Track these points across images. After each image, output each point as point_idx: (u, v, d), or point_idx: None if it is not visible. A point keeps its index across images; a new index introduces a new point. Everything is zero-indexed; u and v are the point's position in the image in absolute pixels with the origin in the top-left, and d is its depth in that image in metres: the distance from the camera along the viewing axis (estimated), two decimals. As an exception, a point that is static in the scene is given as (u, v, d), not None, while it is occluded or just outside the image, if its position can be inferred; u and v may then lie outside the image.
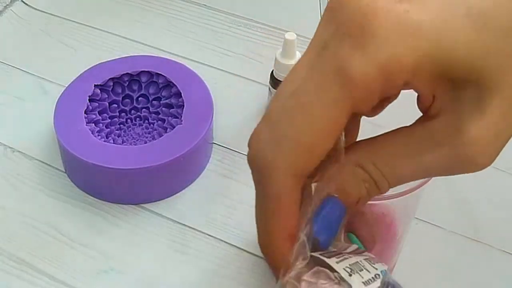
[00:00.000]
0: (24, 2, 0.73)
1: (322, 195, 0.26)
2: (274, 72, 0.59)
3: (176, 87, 0.59)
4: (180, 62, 0.62)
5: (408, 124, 0.27)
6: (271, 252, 0.27)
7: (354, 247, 0.29)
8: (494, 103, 0.25)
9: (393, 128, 0.27)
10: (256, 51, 0.68)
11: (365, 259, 0.29)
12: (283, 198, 0.25)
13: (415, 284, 0.51)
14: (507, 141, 0.26)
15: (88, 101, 0.58)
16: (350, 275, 0.27)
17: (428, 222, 0.54)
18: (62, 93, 0.59)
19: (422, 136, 0.26)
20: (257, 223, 0.27)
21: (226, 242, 0.53)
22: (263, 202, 0.26)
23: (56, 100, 0.58)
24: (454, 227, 0.54)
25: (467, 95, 0.25)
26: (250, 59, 0.67)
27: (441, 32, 0.24)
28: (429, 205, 0.53)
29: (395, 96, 0.27)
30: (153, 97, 0.61)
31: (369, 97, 0.24)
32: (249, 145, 0.26)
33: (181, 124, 0.56)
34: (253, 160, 0.26)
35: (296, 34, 0.57)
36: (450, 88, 0.25)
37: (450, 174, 0.26)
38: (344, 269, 0.27)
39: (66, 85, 0.59)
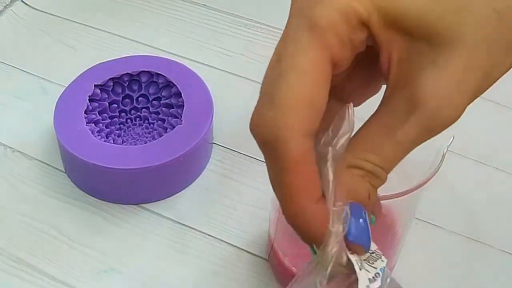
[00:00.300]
0: (24, 2, 0.73)
1: (339, 211, 0.27)
2: (274, 72, 0.59)
3: (176, 87, 0.59)
4: (180, 62, 0.62)
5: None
6: (306, 220, 0.27)
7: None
8: (449, 58, 0.26)
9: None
10: (256, 51, 0.68)
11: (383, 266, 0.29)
12: (302, 161, 0.26)
13: (415, 284, 0.51)
14: (470, 93, 0.27)
15: (88, 101, 0.58)
16: (360, 269, 0.27)
17: (428, 222, 0.54)
18: (62, 93, 0.59)
19: (388, 114, 0.27)
20: (279, 196, 0.27)
21: (226, 242, 0.53)
22: (281, 173, 0.26)
23: (56, 100, 0.58)
24: (454, 227, 0.54)
25: (422, 51, 0.26)
26: (250, 59, 0.67)
27: None
28: (429, 205, 0.53)
29: (362, 50, 0.28)
30: (153, 97, 0.61)
31: (339, 40, 0.26)
32: (252, 123, 0.27)
33: (181, 124, 0.56)
34: (261, 134, 0.26)
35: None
36: (406, 41, 0.26)
37: (431, 136, 0.27)
38: (356, 261, 0.27)
39: (66, 85, 0.59)
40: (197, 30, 0.70)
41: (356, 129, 0.29)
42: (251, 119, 0.27)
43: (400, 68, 0.27)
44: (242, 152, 0.58)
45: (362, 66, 0.30)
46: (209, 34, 0.70)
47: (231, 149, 0.59)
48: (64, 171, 0.58)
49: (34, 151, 0.59)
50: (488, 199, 0.56)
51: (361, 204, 0.28)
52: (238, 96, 0.64)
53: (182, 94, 0.58)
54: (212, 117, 0.57)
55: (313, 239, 0.27)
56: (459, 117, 0.27)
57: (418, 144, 0.28)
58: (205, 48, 0.68)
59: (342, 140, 0.28)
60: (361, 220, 0.27)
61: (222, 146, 0.59)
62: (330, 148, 0.27)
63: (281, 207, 0.27)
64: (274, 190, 0.27)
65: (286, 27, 0.28)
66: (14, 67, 0.67)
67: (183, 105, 0.58)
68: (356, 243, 0.27)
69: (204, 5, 0.73)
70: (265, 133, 0.26)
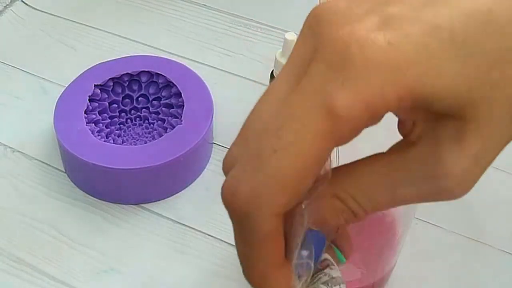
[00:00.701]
0: (24, 2, 0.73)
1: (303, 227, 0.27)
2: (274, 72, 0.59)
3: (176, 87, 0.59)
4: (180, 62, 0.62)
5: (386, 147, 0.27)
6: (268, 285, 0.27)
7: (325, 256, 0.30)
8: (473, 136, 0.24)
9: (371, 154, 0.27)
10: (256, 51, 0.68)
11: (325, 280, 0.29)
12: (270, 237, 0.25)
13: (415, 284, 0.51)
14: (483, 173, 0.26)
15: (88, 101, 0.58)
16: None
17: (428, 222, 0.54)
18: (62, 93, 0.59)
19: (399, 167, 0.26)
20: (242, 261, 0.27)
21: (226, 242, 0.53)
22: (248, 245, 0.26)
23: (56, 100, 0.58)
24: (454, 227, 0.54)
25: (448, 125, 0.25)
26: (250, 59, 0.67)
27: (425, 63, 0.23)
28: (429, 205, 0.53)
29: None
30: (153, 97, 0.61)
31: (353, 131, 0.24)
32: (227, 190, 0.25)
33: (181, 124, 0.56)
34: (232, 202, 0.25)
35: (296, 34, 0.57)
36: (432, 117, 0.25)
37: (426, 202, 0.27)
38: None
39: (66, 85, 0.59)
40: (197, 30, 0.70)
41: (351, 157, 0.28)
42: (227, 182, 0.25)
43: (424, 132, 0.25)
44: (242, 152, 0.58)
45: None
46: (209, 34, 0.70)
47: (231, 149, 0.59)
48: (64, 171, 0.58)
49: (34, 151, 0.59)
50: (488, 199, 0.56)
51: (325, 233, 0.27)
52: (238, 96, 0.64)
53: (182, 94, 0.58)
54: (212, 117, 0.57)
55: None
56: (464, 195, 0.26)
57: (409, 203, 0.27)
58: (205, 48, 0.68)
59: (316, 193, 0.27)
60: (316, 248, 0.27)
61: (222, 146, 0.59)
62: (304, 203, 0.27)
63: (243, 271, 0.27)
64: (238, 255, 0.27)
65: (298, 94, 0.24)
66: (14, 67, 0.67)
67: (183, 105, 0.58)
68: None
69: (204, 5, 0.73)
70: (237, 203, 0.25)
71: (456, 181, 0.25)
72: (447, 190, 0.26)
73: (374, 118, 0.24)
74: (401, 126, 0.27)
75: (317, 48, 0.23)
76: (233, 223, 0.26)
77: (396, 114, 0.25)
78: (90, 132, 0.56)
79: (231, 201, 0.25)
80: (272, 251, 0.26)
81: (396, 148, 0.26)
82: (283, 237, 0.26)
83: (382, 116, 0.24)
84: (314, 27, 0.24)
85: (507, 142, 0.26)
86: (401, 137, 0.27)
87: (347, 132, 0.23)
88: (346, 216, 0.26)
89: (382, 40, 0.22)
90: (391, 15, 0.23)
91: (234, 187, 0.25)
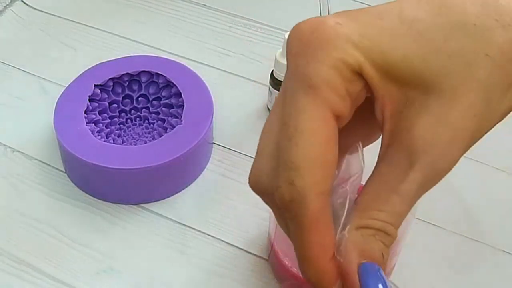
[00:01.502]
0: (24, 2, 0.73)
1: (353, 268, 0.27)
2: (274, 72, 0.59)
3: (176, 87, 0.59)
4: (180, 62, 0.62)
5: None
6: (320, 278, 0.28)
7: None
8: (442, 110, 0.26)
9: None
10: (256, 51, 0.68)
11: None
12: (321, 218, 0.27)
13: (415, 284, 0.51)
14: (466, 140, 0.27)
15: (88, 101, 0.58)
16: None
17: (428, 222, 0.54)
18: (62, 93, 0.59)
19: (389, 171, 0.27)
20: (299, 253, 0.28)
21: (226, 242, 0.53)
22: (301, 232, 0.27)
23: (56, 100, 0.58)
24: (454, 227, 0.54)
25: (416, 98, 0.26)
26: (250, 59, 0.67)
27: (377, 38, 0.26)
28: (429, 205, 0.53)
29: (362, 99, 0.28)
30: (153, 97, 0.61)
31: (336, 94, 0.26)
32: (261, 185, 0.27)
33: (181, 124, 0.56)
34: (278, 200, 0.27)
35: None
36: (400, 92, 0.27)
37: (434, 184, 0.28)
38: None
39: (66, 85, 0.59)
40: (197, 30, 0.70)
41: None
42: (255, 182, 0.28)
43: (393, 122, 0.27)
44: (242, 152, 0.58)
45: (362, 118, 0.30)
46: (209, 34, 0.70)
47: (231, 149, 0.59)
48: (64, 171, 0.58)
49: (34, 151, 0.59)
50: (488, 199, 0.56)
51: (376, 263, 0.27)
52: (238, 96, 0.64)
53: (182, 94, 0.58)
54: (212, 117, 0.57)
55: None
56: (453, 167, 0.27)
57: (422, 195, 0.28)
58: (205, 48, 0.68)
59: (354, 178, 0.29)
60: (380, 285, 0.27)
61: (222, 146, 0.59)
62: (348, 186, 0.28)
63: (299, 263, 0.28)
64: (295, 247, 0.28)
65: (284, 88, 0.28)
66: (14, 67, 0.67)
67: (183, 105, 0.58)
68: None
69: (204, 5, 0.73)
70: (282, 198, 0.27)
71: (438, 153, 0.26)
72: (433, 168, 0.27)
73: (347, 80, 0.26)
74: (377, 120, 0.28)
75: (292, 48, 0.28)
76: (279, 217, 0.28)
77: (369, 82, 0.27)
78: (90, 132, 0.56)
79: (277, 194, 0.27)
80: (324, 236, 0.27)
81: (380, 157, 0.28)
82: (332, 226, 0.27)
83: (355, 81, 0.27)
84: (293, 33, 0.28)
85: (484, 109, 0.26)
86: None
87: (333, 97, 0.26)
88: (380, 238, 0.27)
89: (332, 22, 0.26)
90: (350, 13, 0.27)
91: (269, 181, 0.27)
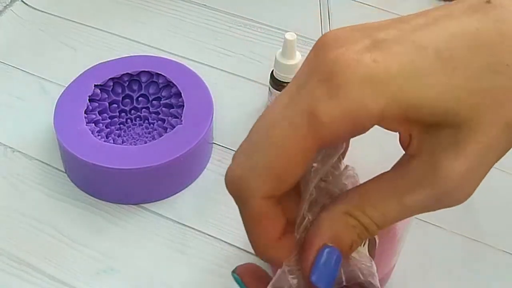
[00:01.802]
0: (24, 2, 0.73)
1: (315, 247, 0.28)
2: (274, 72, 0.59)
3: (176, 87, 0.59)
4: (180, 62, 0.62)
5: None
6: (269, 256, 0.29)
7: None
8: (469, 143, 0.26)
9: (379, 173, 0.29)
10: (256, 51, 0.68)
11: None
12: (263, 217, 0.28)
13: (415, 284, 0.51)
14: (483, 177, 0.28)
15: (88, 101, 0.58)
16: None
17: (428, 222, 0.54)
18: (62, 93, 0.59)
19: (403, 178, 0.28)
20: (247, 234, 0.29)
21: (226, 242, 0.53)
22: (245, 220, 0.29)
23: (56, 100, 0.58)
24: (454, 227, 0.54)
25: (442, 135, 0.26)
26: (250, 59, 0.67)
27: (410, 77, 0.25)
28: (429, 205, 0.53)
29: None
30: (153, 97, 0.61)
31: (335, 137, 0.26)
32: (227, 174, 0.28)
33: (181, 124, 0.56)
34: (229, 184, 0.28)
35: (296, 34, 0.57)
36: (425, 129, 0.27)
37: (433, 210, 0.28)
38: None
39: (66, 85, 0.59)
40: (197, 30, 0.70)
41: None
42: (229, 167, 0.28)
43: (421, 143, 0.27)
44: (242, 152, 0.58)
45: None
46: (209, 34, 0.70)
47: (231, 149, 0.59)
48: (64, 171, 0.58)
49: (34, 151, 0.59)
50: (488, 199, 0.56)
51: (340, 251, 0.28)
52: (238, 96, 0.64)
53: (182, 94, 0.58)
54: (212, 117, 0.57)
55: (276, 265, 0.29)
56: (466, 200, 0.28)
57: (417, 214, 0.28)
58: (205, 48, 0.68)
59: (330, 158, 0.29)
60: (329, 265, 0.28)
61: (222, 146, 0.59)
62: (314, 165, 0.29)
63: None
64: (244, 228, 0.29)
65: (292, 100, 0.27)
66: (14, 67, 0.67)
67: (183, 105, 0.58)
68: (316, 285, 0.28)
69: (204, 5, 0.73)
70: (233, 186, 0.28)
71: (454, 185, 0.27)
72: (447, 195, 0.27)
73: (358, 127, 0.26)
74: (401, 140, 0.28)
75: (314, 67, 0.27)
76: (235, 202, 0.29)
77: (387, 127, 0.27)
78: (90, 132, 0.56)
79: (228, 184, 0.28)
80: (267, 228, 0.28)
81: (398, 163, 0.28)
82: (279, 216, 0.28)
83: (368, 127, 0.26)
84: (318, 50, 0.27)
85: (506, 147, 0.27)
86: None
87: (329, 137, 0.26)
88: (359, 231, 0.28)
89: (368, 59, 0.26)
90: (381, 39, 0.26)
91: (232, 172, 0.28)
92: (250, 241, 0.29)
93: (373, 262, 0.30)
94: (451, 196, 0.27)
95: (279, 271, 0.29)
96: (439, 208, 0.28)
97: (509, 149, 0.27)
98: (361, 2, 0.72)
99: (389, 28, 0.27)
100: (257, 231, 0.28)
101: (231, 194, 0.28)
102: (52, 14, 0.72)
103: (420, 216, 0.55)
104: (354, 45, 0.26)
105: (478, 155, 0.26)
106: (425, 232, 0.54)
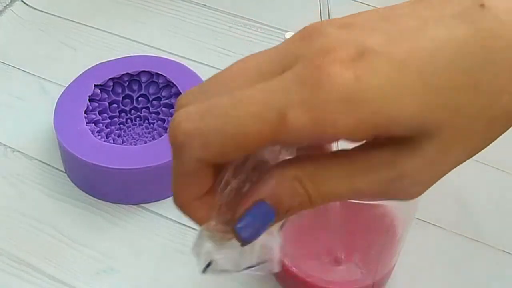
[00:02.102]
0: (24, 2, 0.73)
1: (254, 198, 0.28)
2: (274, 72, 0.59)
3: (176, 87, 0.59)
4: (180, 62, 0.62)
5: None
6: (186, 212, 0.30)
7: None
8: (428, 147, 0.27)
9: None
10: (256, 51, 0.67)
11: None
12: (192, 175, 0.28)
13: (415, 284, 0.51)
14: (437, 180, 0.29)
15: (88, 101, 0.58)
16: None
17: (428, 222, 0.54)
18: (62, 93, 0.59)
19: (359, 160, 0.28)
20: (172, 186, 0.29)
21: (226, 242, 0.53)
22: (175, 172, 0.29)
23: (56, 100, 0.58)
24: (454, 227, 0.54)
25: (405, 138, 0.27)
26: (250, 59, 0.67)
27: (387, 97, 0.25)
28: (429, 205, 0.53)
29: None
30: (153, 97, 0.61)
31: (297, 142, 0.27)
32: (176, 115, 0.28)
33: (181, 124, 0.56)
34: (173, 136, 0.27)
35: (296, 34, 0.57)
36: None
37: (382, 199, 0.29)
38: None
39: (66, 85, 0.59)
40: (197, 30, 0.70)
41: None
42: (179, 113, 0.28)
43: (385, 139, 0.27)
44: (242, 152, 0.58)
45: None
46: (209, 34, 0.70)
47: (231, 149, 0.59)
48: (64, 171, 0.58)
49: (34, 151, 0.59)
50: (488, 199, 0.56)
51: (276, 212, 0.28)
52: (238, 96, 0.64)
53: (182, 94, 0.58)
54: (212, 117, 0.57)
55: (195, 222, 0.30)
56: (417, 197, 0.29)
57: (364, 199, 0.28)
58: (205, 48, 0.68)
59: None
60: (258, 220, 0.28)
61: (222, 146, 0.59)
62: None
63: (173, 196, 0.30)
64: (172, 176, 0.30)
65: (268, 85, 0.27)
66: (14, 67, 0.67)
67: (183, 105, 0.57)
68: (239, 233, 0.28)
69: (204, 5, 0.73)
70: (175, 140, 0.27)
71: (409, 181, 0.27)
72: (401, 189, 0.28)
73: (323, 139, 0.27)
74: None
75: (298, 60, 0.26)
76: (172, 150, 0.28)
77: (351, 141, 0.27)
78: (90, 132, 0.56)
79: (173, 130, 0.27)
80: (191, 186, 0.29)
81: (359, 146, 0.28)
82: (208, 178, 0.29)
83: (333, 141, 0.27)
84: (306, 39, 0.27)
85: (464, 158, 0.28)
86: None
87: (289, 139, 0.26)
88: (301, 199, 0.28)
89: (350, 75, 0.25)
90: (367, 47, 0.26)
91: (180, 121, 0.27)
92: (173, 193, 0.29)
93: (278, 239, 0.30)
94: (405, 191, 0.28)
95: (198, 233, 0.29)
96: (389, 199, 0.28)
97: (473, 148, 0.28)
98: (361, 2, 0.72)
99: (376, 31, 0.26)
100: (182, 187, 0.29)
101: (171, 143, 0.28)
102: (52, 14, 0.72)
103: (420, 216, 0.55)
104: (340, 52, 0.26)
105: (435, 159, 0.27)
106: (425, 232, 0.53)
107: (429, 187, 0.28)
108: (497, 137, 0.28)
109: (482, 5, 0.26)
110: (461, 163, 0.28)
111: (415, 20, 0.27)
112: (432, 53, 0.26)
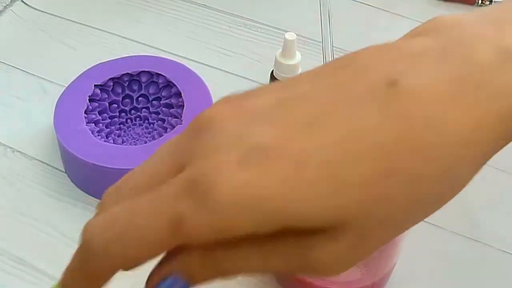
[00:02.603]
0: (24, 2, 0.73)
1: (165, 270, 0.28)
2: (274, 72, 0.59)
3: (176, 87, 0.59)
4: (180, 62, 0.62)
5: None
6: None
7: None
8: (343, 237, 0.25)
9: None
10: (256, 51, 0.68)
11: None
12: (94, 279, 0.30)
13: (415, 284, 0.51)
14: (360, 260, 0.27)
15: (88, 101, 0.58)
16: None
17: (428, 222, 0.54)
18: (62, 93, 0.59)
19: (276, 245, 0.26)
20: (68, 270, 0.30)
21: (226, 242, 0.53)
22: (76, 270, 0.30)
23: (56, 100, 0.58)
24: (454, 227, 0.54)
25: (319, 228, 0.25)
26: (250, 59, 0.67)
27: (286, 195, 0.23)
28: (429, 205, 0.53)
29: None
30: (153, 97, 0.61)
31: (203, 241, 0.25)
32: (91, 223, 0.28)
33: (181, 124, 0.56)
34: (85, 242, 0.28)
35: (296, 34, 0.57)
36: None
37: (297, 274, 0.28)
38: None
39: (66, 85, 0.59)
40: (197, 30, 0.70)
41: None
42: (92, 221, 0.28)
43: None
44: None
45: None
46: (209, 34, 0.70)
47: (231, 149, 0.59)
48: (64, 171, 0.58)
49: (34, 151, 0.59)
50: (488, 199, 0.56)
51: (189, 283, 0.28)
52: (238, 96, 0.64)
53: (182, 94, 0.58)
54: (212, 117, 0.57)
55: None
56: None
57: (281, 273, 0.28)
58: (205, 48, 0.68)
59: None
60: None
61: (222, 146, 0.59)
62: None
63: (63, 280, 0.31)
64: (69, 267, 0.30)
65: (165, 190, 0.25)
66: (14, 67, 0.67)
67: (183, 105, 0.58)
68: None
69: (204, 5, 0.73)
70: (86, 247, 0.29)
71: (323, 266, 0.25)
72: (315, 271, 0.26)
73: (225, 237, 0.24)
74: None
75: (189, 161, 0.25)
76: (78, 250, 0.28)
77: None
78: (90, 132, 0.56)
79: (84, 240, 0.28)
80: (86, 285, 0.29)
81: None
82: (107, 279, 0.30)
83: (240, 235, 0.25)
84: (196, 133, 0.26)
85: (388, 239, 0.27)
86: None
87: (195, 241, 0.25)
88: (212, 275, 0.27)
89: (240, 178, 0.23)
90: (256, 146, 0.24)
91: (91, 228, 0.27)
92: (66, 276, 0.30)
93: None
94: (319, 273, 0.26)
95: None
96: (302, 275, 0.28)
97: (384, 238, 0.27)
98: (361, 2, 0.72)
99: (271, 121, 0.24)
100: (77, 283, 0.30)
101: (81, 245, 0.28)
102: (52, 14, 0.72)
103: (420, 216, 0.54)
104: (229, 153, 0.24)
105: (352, 243, 0.25)
106: (425, 232, 0.53)
107: (352, 266, 0.26)
108: (425, 217, 0.28)
109: (391, 83, 0.24)
110: (387, 242, 0.27)
111: (315, 105, 0.24)
112: (336, 143, 0.24)
